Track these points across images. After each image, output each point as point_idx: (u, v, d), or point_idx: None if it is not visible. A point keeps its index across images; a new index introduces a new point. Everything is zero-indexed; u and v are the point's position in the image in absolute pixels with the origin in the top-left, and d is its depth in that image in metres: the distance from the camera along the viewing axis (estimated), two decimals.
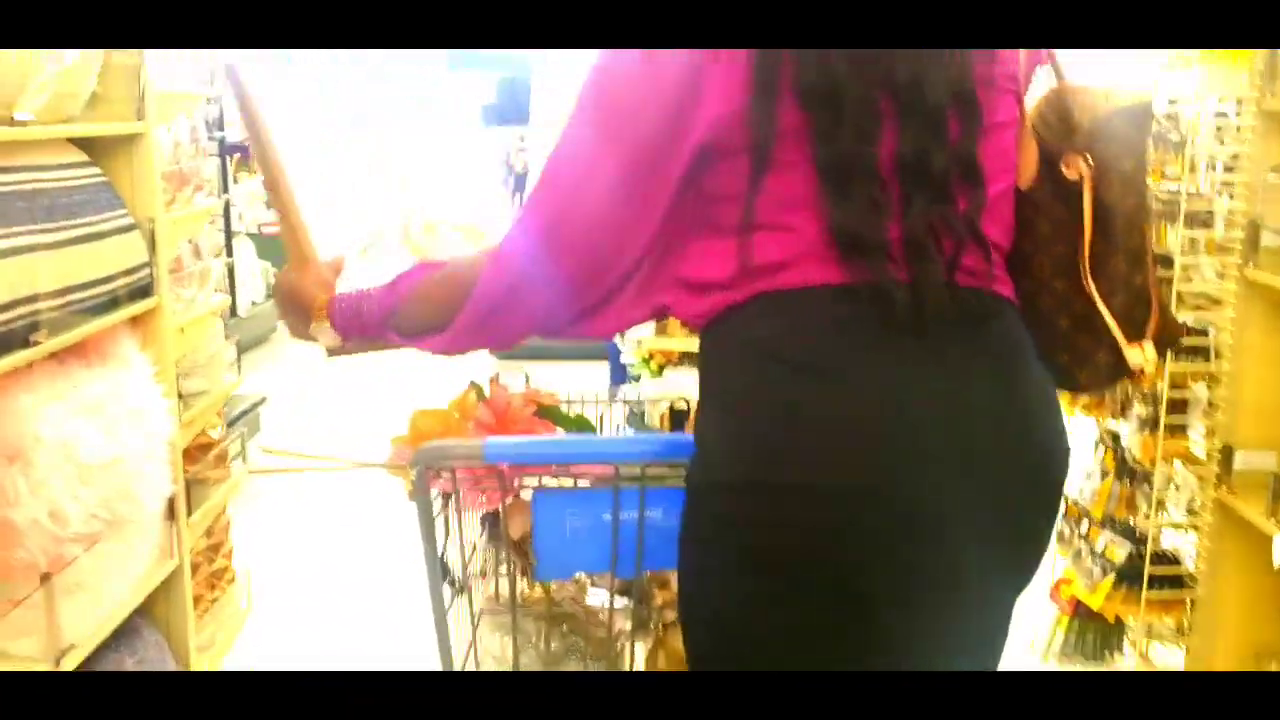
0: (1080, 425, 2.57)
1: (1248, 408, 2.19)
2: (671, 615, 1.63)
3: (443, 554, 1.53)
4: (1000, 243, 1.07)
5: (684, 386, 2.01)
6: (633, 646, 1.63)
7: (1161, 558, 2.29)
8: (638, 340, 3.90)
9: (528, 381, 1.82)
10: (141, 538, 1.97)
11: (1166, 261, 2.15)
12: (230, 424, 3.44)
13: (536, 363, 3.92)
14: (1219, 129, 2.18)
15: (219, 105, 4.41)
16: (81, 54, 1.78)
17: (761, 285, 1.02)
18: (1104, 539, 2.35)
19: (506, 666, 1.57)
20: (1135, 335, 1.09)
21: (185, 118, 2.56)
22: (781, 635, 1.00)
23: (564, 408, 1.74)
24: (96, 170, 1.95)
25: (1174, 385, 2.22)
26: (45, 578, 1.65)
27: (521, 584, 1.63)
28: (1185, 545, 2.35)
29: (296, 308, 1.32)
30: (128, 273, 1.96)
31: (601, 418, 1.90)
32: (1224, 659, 2.19)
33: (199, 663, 2.34)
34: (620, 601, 1.66)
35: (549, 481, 1.47)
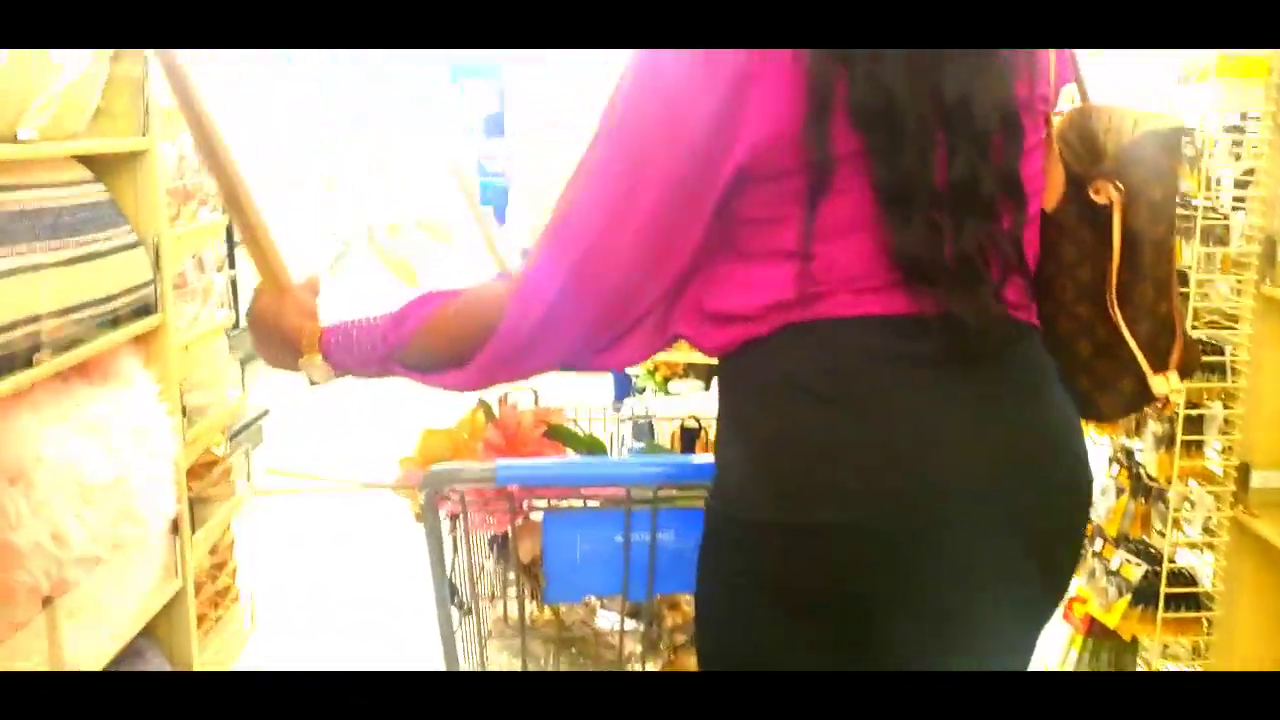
0: (1094, 442, 2.54)
1: (1265, 426, 2.16)
2: (682, 638, 1.61)
3: (450, 575, 1.51)
4: (1030, 266, 1.05)
5: (694, 404, 1.98)
6: (643, 669, 1.61)
7: (1178, 577, 2.27)
8: None
9: (536, 399, 1.80)
10: (145, 558, 1.96)
11: (1182, 278, 2.13)
12: (233, 437, 3.41)
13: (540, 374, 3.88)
14: (1235, 143, 2.16)
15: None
16: (85, 70, 1.77)
17: (789, 316, 0.98)
18: (1119, 557, 2.33)
19: None
20: (1159, 363, 1.07)
21: (189, 133, 2.54)
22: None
23: (572, 425, 1.72)
24: (100, 187, 1.94)
25: (1190, 403, 2.19)
26: (47, 601, 1.63)
27: (530, 606, 1.61)
28: (1202, 564, 2.33)
29: (280, 339, 1.22)
30: (131, 290, 1.94)
31: (612, 436, 1.88)
32: None
33: None
34: (630, 624, 1.64)
35: (559, 502, 1.45)
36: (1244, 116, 2.24)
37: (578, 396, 1.87)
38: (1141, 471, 2.36)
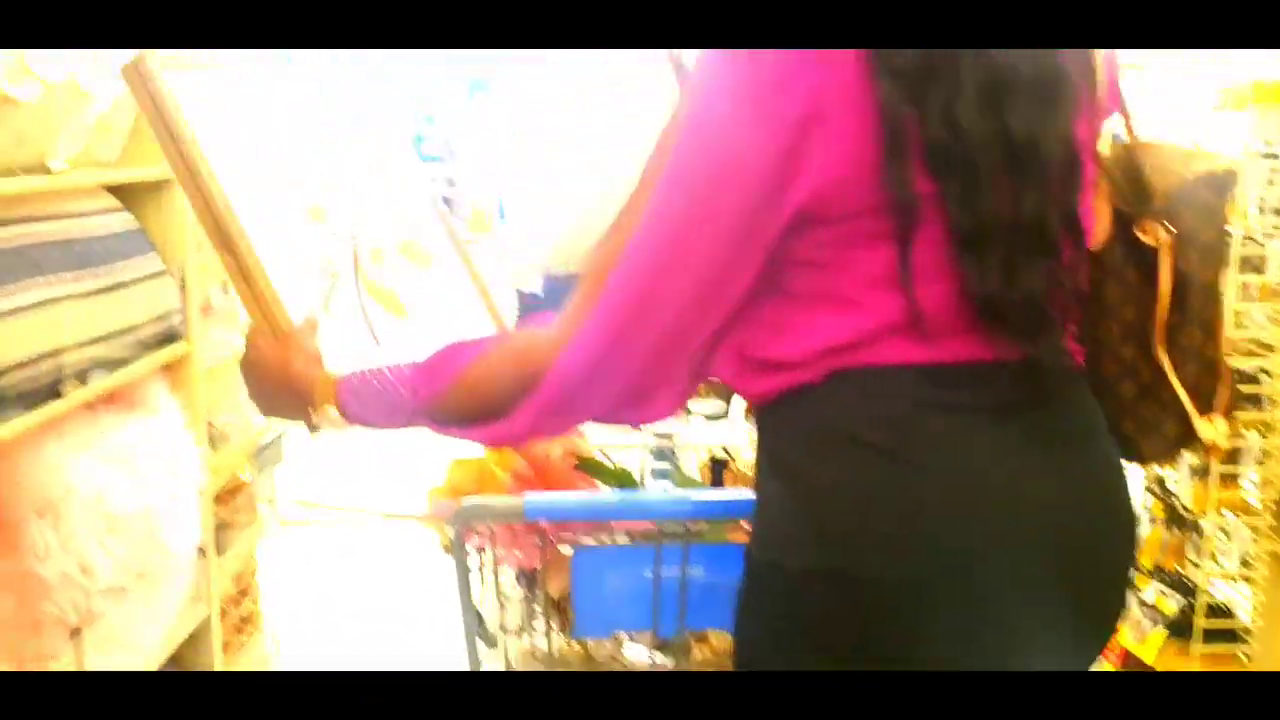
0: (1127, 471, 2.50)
1: None
2: None
3: (477, 606, 1.50)
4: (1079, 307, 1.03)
5: (724, 435, 1.97)
6: None
7: (1214, 610, 2.23)
8: None
9: None
10: (171, 586, 1.95)
11: None
12: (254, 456, 3.42)
13: None
14: (1272, 170, 2.14)
15: None
16: (116, 99, 1.77)
17: (840, 362, 0.96)
18: (1153, 589, 2.30)
19: None
20: (1204, 407, 1.04)
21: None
22: None
23: (601, 457, 1.70)
24: (128, 215, 1.94)
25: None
26: (75, 632, 1.62)
27: (559, 639, 1.59)
28: (1239, 598, 2.29)
29: (286, 390, 1.15)
30: (159, 319, 1.94)
31: (640, 466, 1.87)
32: None
33: None
34: (659, 658, 1.62)
35: (587, 537, 1.44)
36: (1274, 144, 2.21)
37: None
38: (1176, 502, 2.33)
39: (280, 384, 1.15)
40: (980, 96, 0.90)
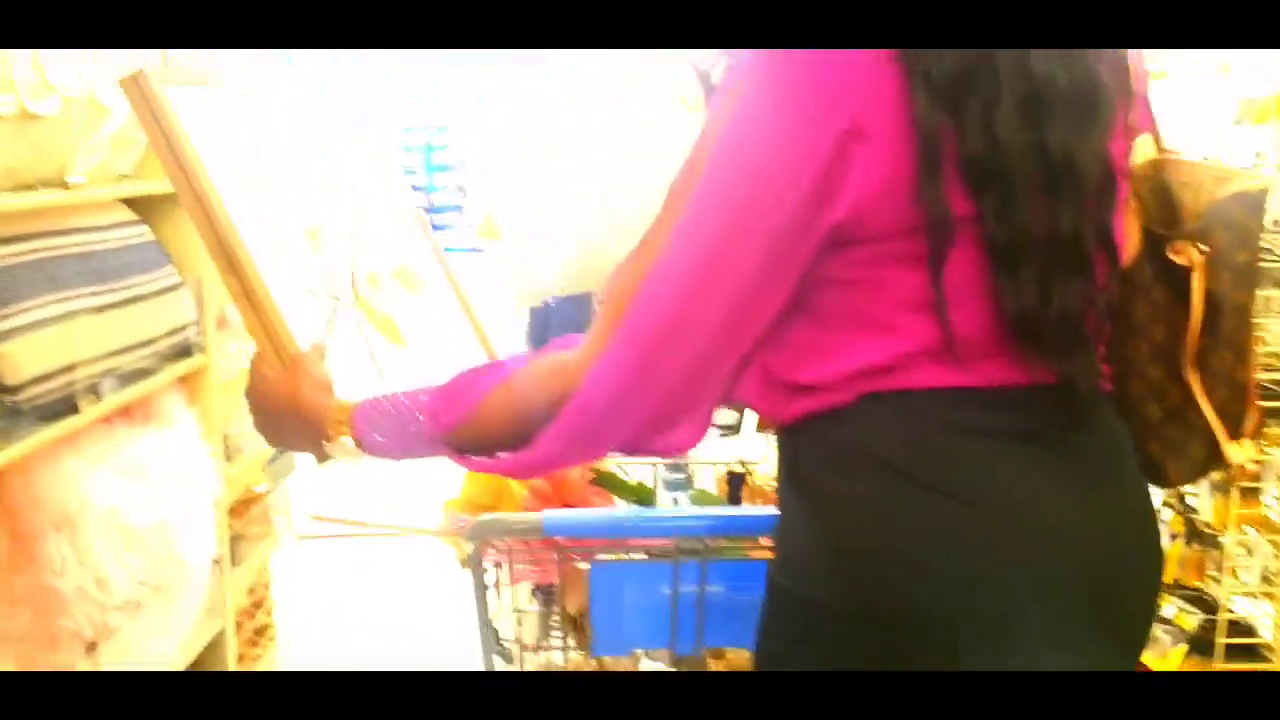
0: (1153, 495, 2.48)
1: None
2: None
3: (493, 621, 1.49)
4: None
5: (740, 447, 1.95)
6: None
7: (1235, 627, 2.21)
8: None
9: None
10: (186, 600, 1.95)
11: None
12: (267, 467, 3.41)
13: None
14: None
15: None
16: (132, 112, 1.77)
17: (872, 386, 0.93)
18: (1173, 605, 2.28)
19: None
20: (1234, 430, 1.01)
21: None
22: None
23: (618, 471, 1.69)
24: (145, 228, 1.94)
25: None
26: (91, 647, 1.62)
27: (576, 656, 1.58)
28: (1260, 614, 2.27)
29: (297, 420, 1.09)
30: (175, 331, 1.94)
31: (654, 477, 1.86)
32: None
33: None
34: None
35: (604, 553, 1.43)
36: None
37: None
38: (1196, 517, 2.31)
39: (290, 412, 1.10)
40: (1019, 109, 0.88)
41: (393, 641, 3.42)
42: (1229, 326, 0.98)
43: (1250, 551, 2.21)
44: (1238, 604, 2.27)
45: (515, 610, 1.54)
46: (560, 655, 1.56)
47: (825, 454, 0.97)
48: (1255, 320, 1.00)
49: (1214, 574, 2.25)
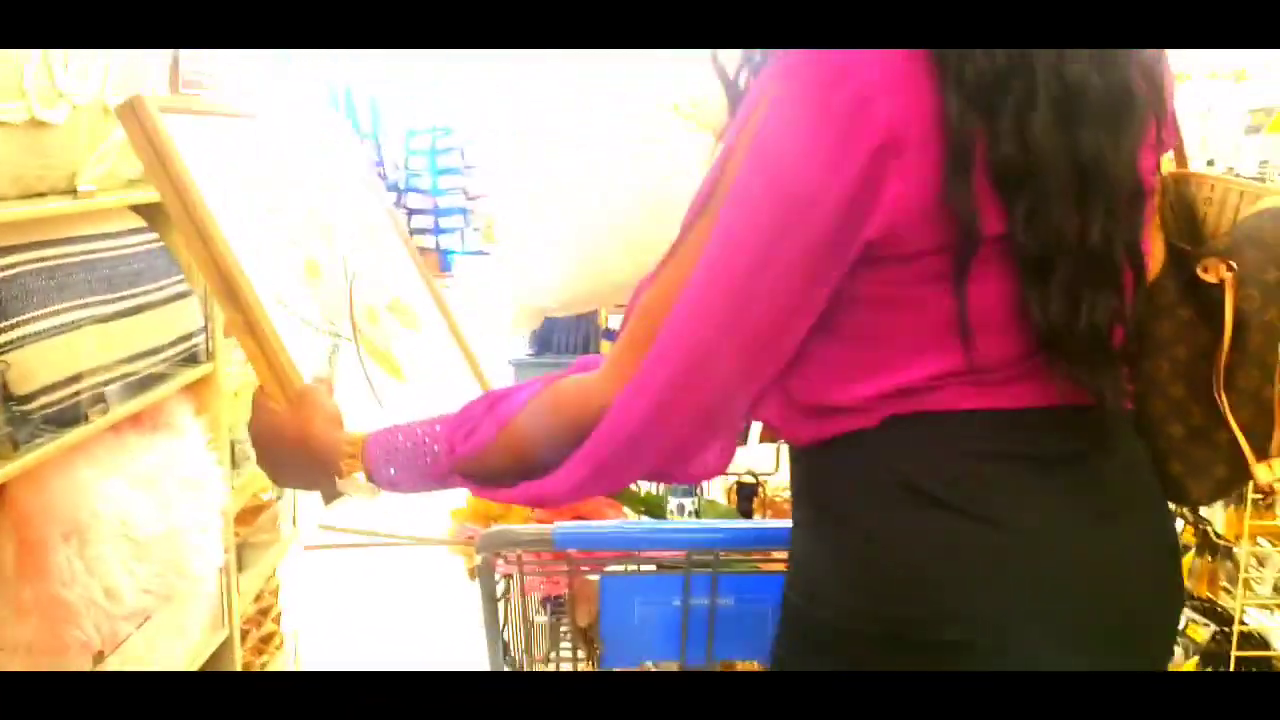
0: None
1: None
2: None
3: (502, 632, 1.48)
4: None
5: (747, 459, 1.94)
6: None
7: (1248, 639, 2.20)
8: None
9: None
10: (193, 609, 1.94)
11: None
12: None
13: None
14: None
15: None
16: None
17: (898, 408, 0.92)
18: (1185, 617, 2.26)
19: None
20: (1259, 450, 0.99)
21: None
22: None
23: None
24: (153, 236, 1.93)
25: None
26: (99, 656, 1.62)
27: (586, 668, 1.57)
28: (1274, 626, 2.25)
29: (307, 457, 1.05)
30: (183, 339, 1.93)
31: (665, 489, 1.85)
32: None
33: None
34: None
35: (615, 564, 1.42)
36: None
37: None
38: (1208, 529, 2.30)
39: (299, 448, 1.06)
40: (1054, 113, 0.86)
41: (401, 652, 3.42)
42: (1257, 344, 0.96)
43: (1262, 563, 2.19)
44: (1251, 616, 2.25)
45: (525, 621, 1.53)
46: (570, 667, 1.55)
47: (848, 477, 0.95)
48: None
49: (1227, 586, 2.23)
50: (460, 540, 1.59)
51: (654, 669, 1.61)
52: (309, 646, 2.96)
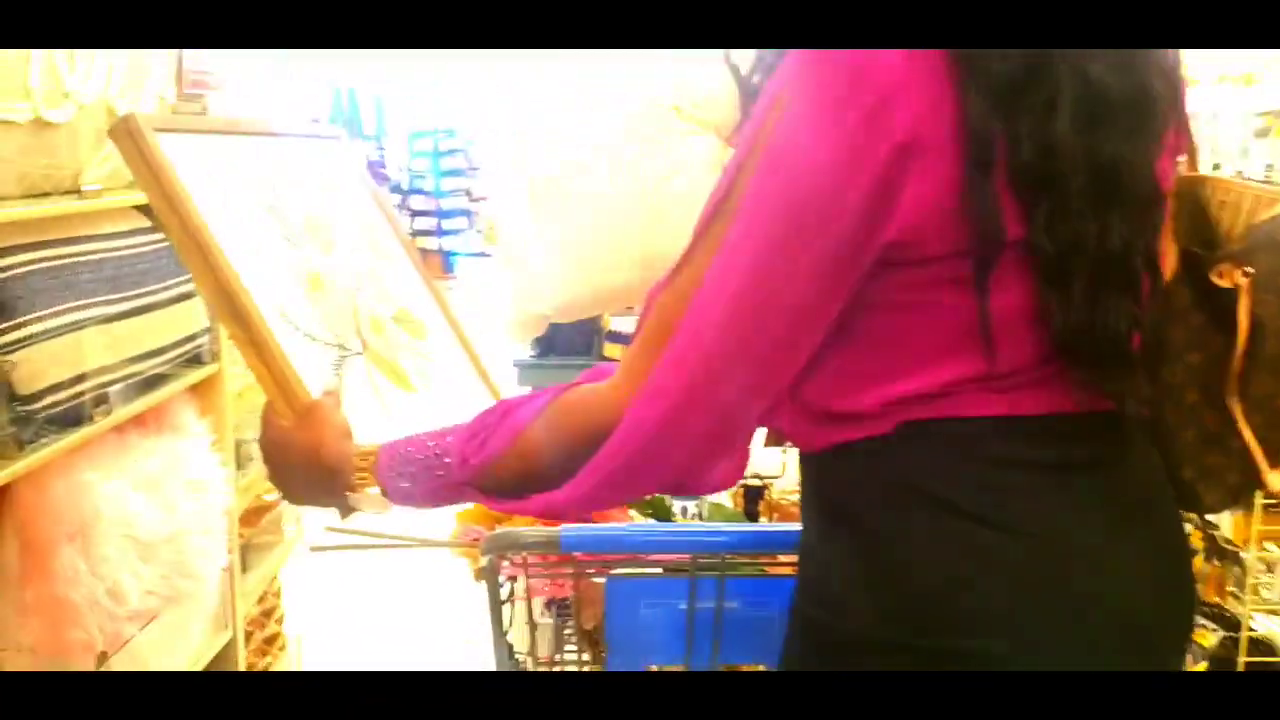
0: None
1: None
2: None
3: (506, 633, 1.48)
4: None
5: (755, 463, 1.94)
6: None
7: (1256, 645, 2.18)
8: None
9: None
10: (196, 610, 1.94)
11: None
12: None
13: None
14: None
15: None
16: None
17: (912, 414, 0.90)
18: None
19: None
20: (1272, 458, 0.97)
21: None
22: None
23: None
24: (159, 236, 1.93)
25: None
26: (102, 657, 1.61)
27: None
28: None
29: (319, 471, 1.02)
30: (188, 340, 1.93)
31: None
32: None
33: None
34: None
35: (620, 566, 1.42)
36: None
37: None
38: (1216, 534, 2.29)
39: (311, 463, 1.03)
40: (1075, 114, 0.84)
41: (405, 655, 3.41)
42: (1271, 351, 0.93)
43: (1270, 568, 2.18)
44: (1258, 622, 2.24)
45: (530, 624, 1.53)
46: (575, 670, 1.55)
47: (862, 485, 0.93)
48: None
49: (1234, 591, 2.22)
50: (465, 542, 1.58)
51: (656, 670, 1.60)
52: (312, 648, 2.95)
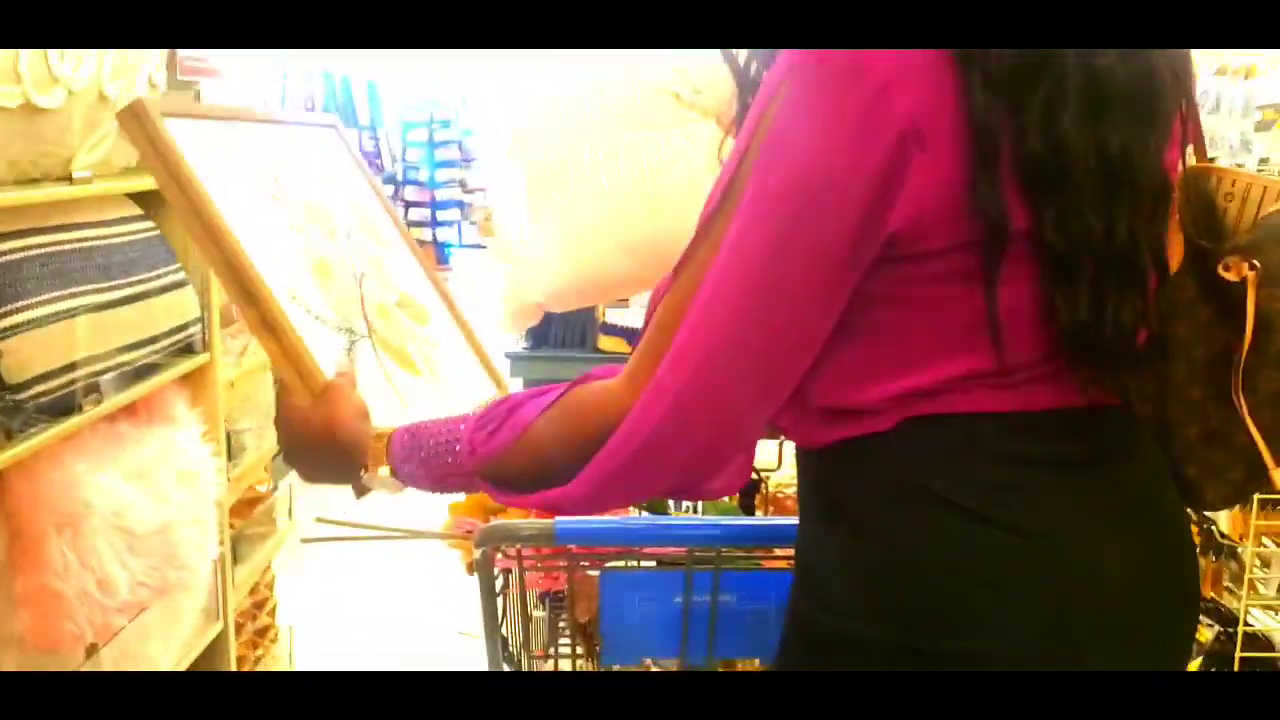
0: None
1: None
2: None
3: (500, 627, 1.47)
4: None
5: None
6: None
7: (1253, 640, 2.18)
8: None
9: None
10: (187, 601, 1.92)
11: None
12: (271, 466, 3.40)
13: None
14: None
15: None
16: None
17: (914, 410, 0.89)
18: None
19: None
20: (1277, 455, 0.95)
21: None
22: None
23: None
24: (150, 224, 1.91)
25: None
26: (92, 649, 1.60)
27: (585, 665, 1.56)
28: (1279, 627, 2.24)
29: (334, 451, 1.04)
30: (180, 329, 1.91)
31: None
32: None
33: None
34: None
35: (615, 560, 1.41)
36: None
37: None
38: (1213, 528, 2.28)
39: (328, 443, 1.04)
40: (1081, 106, 0.83)
41: (398, 647, 3.41)
42: (1277, 345, 0.93)
43: (1267, 564, 2.18)
44: (1255, 617, 2.24)
45: (523, 617, 1.52)
46: (569, 663, 1.54)
47: (862, 482, 0.92)
48: None
49: (1231, 586, 2.21)
50: (459, 534, 1.57)
51: (654, 666, 1.59)
52: (304, 640, 2.94)
